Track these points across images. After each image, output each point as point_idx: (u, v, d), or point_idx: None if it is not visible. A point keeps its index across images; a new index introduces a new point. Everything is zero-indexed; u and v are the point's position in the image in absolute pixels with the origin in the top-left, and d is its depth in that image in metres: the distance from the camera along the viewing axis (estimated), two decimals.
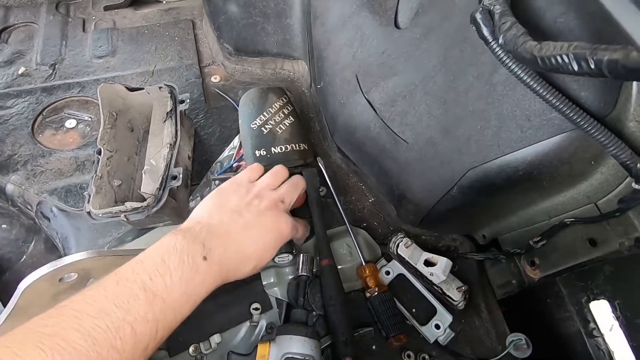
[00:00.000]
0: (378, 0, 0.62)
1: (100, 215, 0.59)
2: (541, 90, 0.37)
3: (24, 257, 0.84)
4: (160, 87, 0.70)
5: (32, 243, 0.84)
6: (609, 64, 0.21)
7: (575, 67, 0.24)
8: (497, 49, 0.38)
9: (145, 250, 0.39)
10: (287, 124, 0.72)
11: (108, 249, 0.66)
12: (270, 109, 0.72)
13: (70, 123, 0.80)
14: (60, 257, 0.83)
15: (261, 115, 0.71)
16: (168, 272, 0.36)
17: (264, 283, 0.62)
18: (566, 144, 0.40)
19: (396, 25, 0.60)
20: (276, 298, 0.62)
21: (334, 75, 0.68)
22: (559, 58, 0.26)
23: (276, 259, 0.58)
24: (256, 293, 0.61)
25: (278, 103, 0.74)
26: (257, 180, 0.53)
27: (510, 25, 0.35)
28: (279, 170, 0.55)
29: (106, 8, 1.01)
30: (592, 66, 0.23)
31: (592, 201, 0.43)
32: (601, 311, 0.64)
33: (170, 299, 0.35)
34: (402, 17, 0.60)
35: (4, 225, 0.85)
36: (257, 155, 0.69)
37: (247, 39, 0.85)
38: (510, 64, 0.37)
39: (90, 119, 0.81)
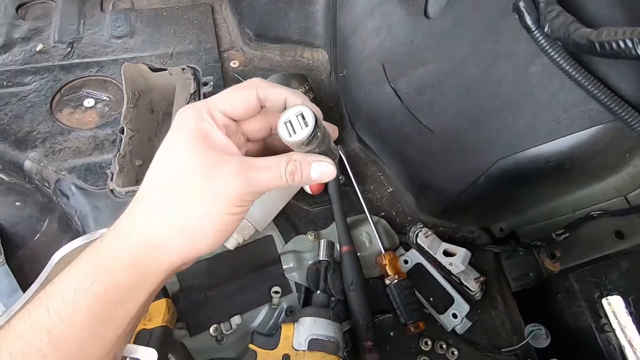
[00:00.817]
0: None
1: (124, 193, 0.59)
2: (583, 80, 0.37)
3: (37, 235, 0.83)
4: (183, 69, 0.70)
5: (46, 221, 0.84)
6: None
7: (639, 52, 0.24)
8: (541, 38, 0.38)
9: None
10: None
11: None
12: None
13: (88, 102, 0.79)
14: (75, 236, 0.83)
15: None
16: None
17: (283, 267, 0.62)
18: (602, 135, 0.40)
19: (426, 15, 0.60)
20: (295, 282, 0.62)
21: (359, 63, 0.68)
22: (621, 43, 0.26)
23: None
24: (276, 276, 0.62)
25: (300, 90, 0.74)
26: None
27: (558, 13, 0.36)
28: None
29: None
30: None
31: (622, 194, 0.44)
32: (615, 307, 0.65)
33: None
34: (432, 7, 0.60)
35: (17, 203, 0.85)
36: None
37: (269, 24, 0.84)
38: (553, 54, 0.38)
39: (108, 99, 0.81)
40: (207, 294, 0.59)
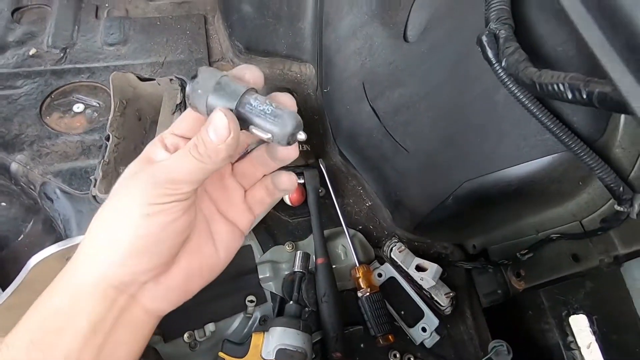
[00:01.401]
0: (389, 14, 0.65)
1: (105, 199, 0.61)
2: (537, 113, 0.40)
3: (21, 236, 0.84)
4: (171, 79, 0.71)
5: (31, 223, 0.85)
6: (599, 96, 0.24)
7: (570, 96, 0.27)
8: (500, 71, 0.40)
9: None
10: None
11: None
12: None
13: (78, 107, 0.81)
14: (59, 238, 0.84)
15: None
16: None
17: (260, 277, 0.64)
18: (557, 164, 0.43)
19: (405, 39, 0.63)
20: (271, 292, 0.64)
21: (342, 81, 0.71)
22: (555, 86, 0.28)
23: None
24: (252, 286, 0.63)
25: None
26: None
27: (514, 50, 0.38)
28: None
29: None
30: (584, 96, 0.25)
31: (578, 219, 0.46)
32: (580, 325, 0.68)
33: None
34: (411, 31, 0.63)
35: (3, 203, 0.86)
36: None
37: (259, 38, 0.86)
38: (510, 86, 0.40)
39: (98, 105, 0.82)
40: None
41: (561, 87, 0.28)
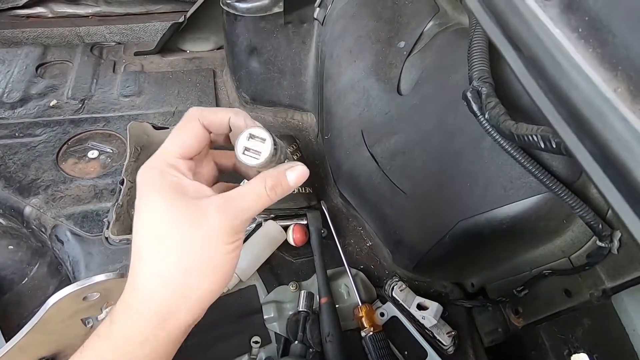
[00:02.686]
0: (384, 70, 0.72)
1: (118, 241, 0.63)
2: (520, 159, 0.44)
3: (26, 279, 0.85)
4: None
5: (36, 266, 0.86)
6: (565, 145, 0.28)
7: (542, 146, 0.31)
8: (484, 122, 0.46)
9: None
10: None
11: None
12: None
13: (92, 154, 0.86)
14: (63, 281, 0.85)
15: None
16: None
17: (264, 317, 0.65)
18: (542, 203, 0.47)
19: (398, 92, 0.70)
20: (275, 333, 0.64)
21: (342, 129, 0.77)
22: (529, 137, 0.33)
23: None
24: (256, 326, 0.64)
25: (288, 149, 0.81)
26: None
27: (494, 105, 0.44)
28: None
29: (136, 53, 1.12)
30: (554, 146, 0.30)
31: (567, 255, 0.50)
32: None
33: None
34: (404, 85, 0.70)
35: (10, 247, 0.87)
36: None
37: (264, 90, 0.94)
38: (495, 135, 0.45)
39: (111, 151, 0.87)
40: (187, 343, 0.61)
41: (535, 138, 0.32)
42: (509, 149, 0.45)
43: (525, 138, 0.33)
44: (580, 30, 0.23)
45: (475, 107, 0.47)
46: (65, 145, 0.87)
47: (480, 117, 0.46)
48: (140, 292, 0.28)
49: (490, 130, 0.46)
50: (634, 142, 0.15)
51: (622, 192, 0.16)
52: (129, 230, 0.68)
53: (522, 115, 0.44)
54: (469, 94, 0.48)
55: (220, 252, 0.28)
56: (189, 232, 0.28)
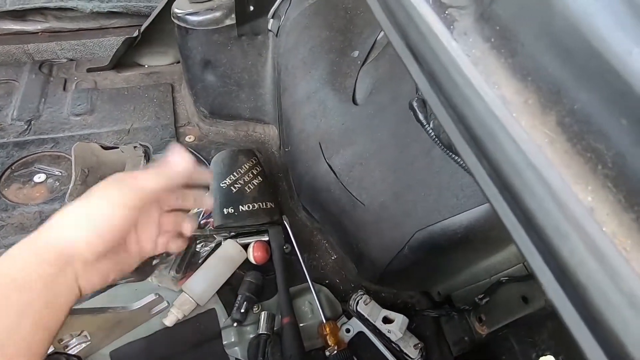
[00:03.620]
0: (339, 80, 0.71)
1: None
2: (465, 166, 0.44)
3: None
4: (135, 147, 0.74)
5: None
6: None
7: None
8: (430, 132, 0.45)
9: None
10: (256, 184, 0.77)
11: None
12: (240, 169, 0.77)
13: (39, 177, 0.81)
14: None
15: (231, 175, 0.76)
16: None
17: (224, 343, 0.62)
18: (491, 211, 0.46)
19: (354, 102, 0.69)
20: (236, 358, 0.61)
21: (300, 141, 0.75)
22: None
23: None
24: (216, 353, 0.61)
25: (247, 164, 0.79)
26: None
27: None
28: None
29: (89, 70, 1.07)
30: None
31: (521, 261, 0.49)
32: None
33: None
34: (359, 94, 0.69)
35: None
36: (225, 212, 0.72)
37: (222, 104, 0.92)
38: (440, 145, 0.45)
39: (60, 174, 0.82)
40: None
41: None
42: (456, 158, 0.44)
43: None
44: (492, 40, 0.22)
45: (421, 117, 0.46)
46: (9, 170, 0.81)
47: (427, 126, 0.46)
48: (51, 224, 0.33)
49: (436, 139, 0.45)
50: (522, 164, 0.14)
51: (517, 217, 0.15)
52: None
53: None
54: (414, 104, 0.47)
55: (116, 207, 0.34)
56: (105, 189, 0.35)
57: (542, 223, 0.15)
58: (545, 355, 0.69)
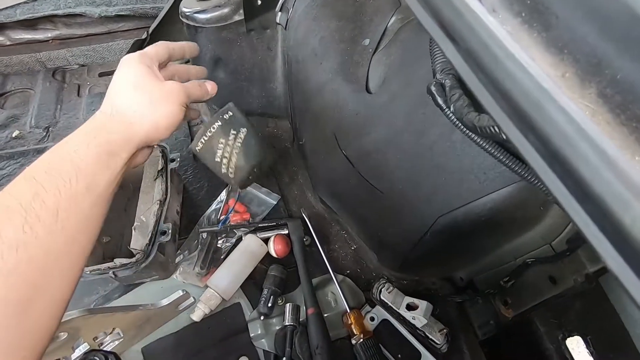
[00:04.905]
0: (350, 69, 0.71)
1: (89, 272, 0.60)
2: (490, 149, 0.43)
3: None
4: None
5: None
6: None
7: (504, 137, 0.30)
8: (451, 115, 0.45)
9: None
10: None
11: (96, 307, 0.66)
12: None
13: None
14: None
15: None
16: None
17: (251, 335, 0.63)
18: (517, 192, 0.46)
19: (367, 90, 0.68)
20: (264, 350, 0.62)
21: (314, 133, 0.75)
22: (491, 128, 0.32)
23: None
24: (244, 346, 0.62)
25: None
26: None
27: (458, 97, 0.42)
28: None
29: (101, 74, 1.09)
30: None
31: (547, 242, 0.49)
32: (577, 348, 0.67)
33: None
34: (372, 83, 0.69)
35: None
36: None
37: (233, 100, 0.92)
38: (462, 128, 0.44)
39: None
40: None
41: (496, 129, 0.31)
42: (478, 140, 0.44)
43: (487, 130, 0.32)
44: (523, 14, 0.21)
45: (440, 101, 0.46)
46: None
47: (446, 110, 0.45)
48: (117, 108, 0.43)
49: (457, 122, 0.45)
50: (575, 135, 0.14)
51: (569, 188, 0.15)
52: (100, 258, 0.65)
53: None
54: (433, 88, 0.46)
55: (175, 105, 0.45)
56: (158, 87, 0.44)
57: (599, 192, 0.14)
58: (573, 336, 0.68)
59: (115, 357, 0.46)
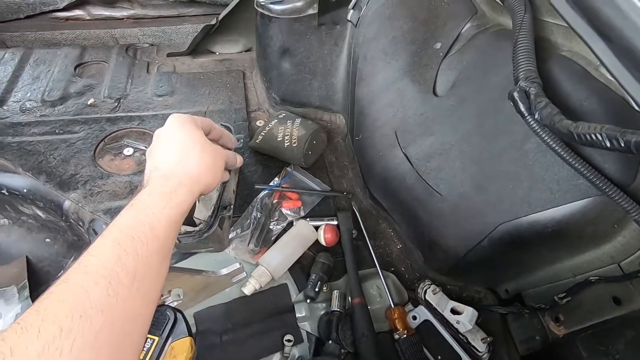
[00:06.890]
0: (419, 71, 0.72)
1: None
2: (571, 160, 0.43)
3: (62, 271, 0.87)
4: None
5: (72, 259, 0.89)
6: (636, 144, 0.28)
7: (608, 144, 0.30)
8: (533, 123, 0.45)
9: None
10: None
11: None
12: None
13: (128, 151, 0.88)
14: None
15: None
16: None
17: (297, 316, 0.65)
18: (592, 207, 0.46)
19: (434, 93, 0.69)
20: (307, 332, 0.64)
21: (374, 130, 0.77)
22: (593, 136, 0.32)
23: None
24: (289, 325, 0.64)
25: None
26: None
27: (545, 105, 0.43)
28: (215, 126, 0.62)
29: (169, 55, 1.15)
30: (622, 144, 0.29)
31: (616, 261, 0.48)
32: None
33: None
34: (440, 86, 0.69)
35: (47, 240, 0.90)
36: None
37: (294, 91, 0.95)
38: (543, 136, 0.44)
39: (146, 149, 0.89)
40: (222, 338, 0.61)
41: (599, 137, 0.32)
42: (559, 150, 0.44)
43: (588, 137, 0.33)
44: None
45: (522, 108, 0.46)
46: (102, 143, 0.89)
47: (529, 117, 0.45)
48: (173, 170, 0.48)
49: (538, 130, 0.45)
50: None
51: None
52: None
53: (571, 115, 0.42)
54: (515, 94, 0.47)
55: (221, 164, 0.54)
56: (209, 148, 0.52)
57: None
58: None
59: (182, 314, 0.49)
